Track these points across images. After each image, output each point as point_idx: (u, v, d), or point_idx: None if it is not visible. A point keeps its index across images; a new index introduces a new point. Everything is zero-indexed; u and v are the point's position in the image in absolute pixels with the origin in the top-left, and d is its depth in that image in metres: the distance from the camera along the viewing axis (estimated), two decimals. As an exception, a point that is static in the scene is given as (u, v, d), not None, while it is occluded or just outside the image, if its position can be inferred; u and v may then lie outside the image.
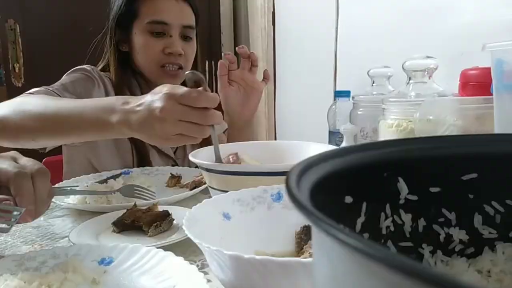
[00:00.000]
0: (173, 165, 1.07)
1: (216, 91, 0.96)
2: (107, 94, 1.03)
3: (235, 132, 1.01)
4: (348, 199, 0.25)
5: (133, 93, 1.06)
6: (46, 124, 0.71)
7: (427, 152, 0.29)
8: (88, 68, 1.03)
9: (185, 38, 1.03)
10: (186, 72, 0.66)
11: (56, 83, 0.97)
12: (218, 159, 0.66)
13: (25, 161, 0.55)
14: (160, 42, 1.00)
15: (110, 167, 1.00)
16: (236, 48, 0.95)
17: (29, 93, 0.87)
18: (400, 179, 0.28)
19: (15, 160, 0.55)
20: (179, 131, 0.60)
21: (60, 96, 0.90)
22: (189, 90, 0.61)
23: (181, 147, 1.14)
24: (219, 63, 0.95)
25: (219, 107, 0.65)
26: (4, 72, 1.93)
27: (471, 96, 0.65)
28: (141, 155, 1.04)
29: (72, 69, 1.03)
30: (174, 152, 1.13)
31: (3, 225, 0.50)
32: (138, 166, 1.02)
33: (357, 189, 0.26)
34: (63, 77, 1.01)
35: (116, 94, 1.02)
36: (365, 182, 0.27)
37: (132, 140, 1.02)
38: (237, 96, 0.98)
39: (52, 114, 0.71)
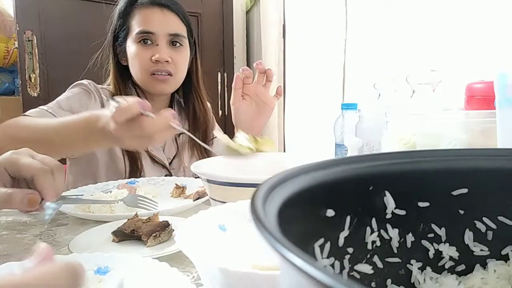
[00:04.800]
0: (166, 175, 1.09)
1: (229, 103, 1.00)
2: (103, 106, 1.07)
3: None
4: (330, 213, 0.25)
5: None
6: (35, 146, 0.74)
7: (415, 166, 0.28)
8: (85, 83, 1.09)
9: (173, 45, 1.07)
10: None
11: (52, 101, 1.03)
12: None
13: (42, 157, 0.58)
14: (148, 51, 1.05)
15: (103, 174, 1.05)
16: (254, 63, 0.96)
17: (24, 115, 0.92)
18: (387, 193, 0.28)
19: (32, 156, 0.57)
20: None
21: (55, 115, 0.95)
22: None
23: (177, 158, 1.16)
24: (235, 76, 0.97)
25: None
26: (20, 82, 1.98)
27: (476, 110, 0.64)
28: (132, 159, 1.06)
29: (72, 85, 1.09)
30: (170, 163, 1.14)
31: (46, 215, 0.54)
32: (130, 173, 1.05)
33: (340, 202, 0.26)
34: (64, 92, 1.07)
35: None
36: (349, 196, 0.26)
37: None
38: (249, 110, 0.99)
39: (40, 135, 0.77)
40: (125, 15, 1.08)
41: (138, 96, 1.13)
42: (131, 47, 1.07)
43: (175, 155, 1.16)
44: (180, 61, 1.08)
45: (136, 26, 1.05)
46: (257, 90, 0.97)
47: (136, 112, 0.64)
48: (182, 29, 1.08)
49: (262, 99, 0.98)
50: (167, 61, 1.04)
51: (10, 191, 0.52)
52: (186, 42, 1.09)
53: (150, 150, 1.11)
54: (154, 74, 1.05)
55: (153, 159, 1.11)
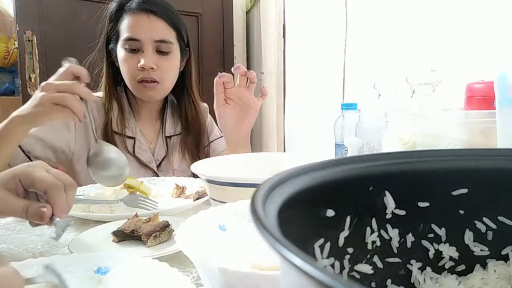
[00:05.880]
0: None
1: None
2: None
3: (231, 149, 1.01)
4: (330, 213, 0.25)
5: (120, 104, 1.11)
6: None
7: (415, 166, 0.28)
8: None
9: (160, 52, 1.05)
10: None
11: None
12: None
13: (56, 172, 0.58)
14: (135, 57, 1.04)
15: (85, 181, 1.03)
16: (232, 68, 0.95)
17: None
18: (387, 193, 0.28)
19: (47, 170, 0.57)
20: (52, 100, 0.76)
21: None
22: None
23: (166, 160, 1.15)
24: (215, 81, 0.96)
25: None
26: (20, 82, 1.98)
27: (476, 110, 0.64)
28: None
29: None
30: (159, 165, 1.14)
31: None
32: None
33: (340, 202, 0.26)
34: None
35: (105, 104, 1.09)
36: (349, 196, 0.26)
37: None
38: (233, 114, 0.99)
39: None
40: (115, 19, 1.08)
41: (128, 99, 1.14)
42: (120, 52, 1.06)
43: (164, 156, 1.15)
44: (166, 68, 1.07)
45: (124, 31, 1.05)
46: (240, 93, 0.97)
47: (75, 80, 0.77)
48: (169, 35, 1.07)
49: (245, 102, 0.97)
50: (152, 68, 1.03)
51: (27, 203, 0.53)
52: (174, 48, 1.08)
53: (136, 153, 1.10)
54: (141, 81, 1.05)
55: (139, 161, 1.11)
